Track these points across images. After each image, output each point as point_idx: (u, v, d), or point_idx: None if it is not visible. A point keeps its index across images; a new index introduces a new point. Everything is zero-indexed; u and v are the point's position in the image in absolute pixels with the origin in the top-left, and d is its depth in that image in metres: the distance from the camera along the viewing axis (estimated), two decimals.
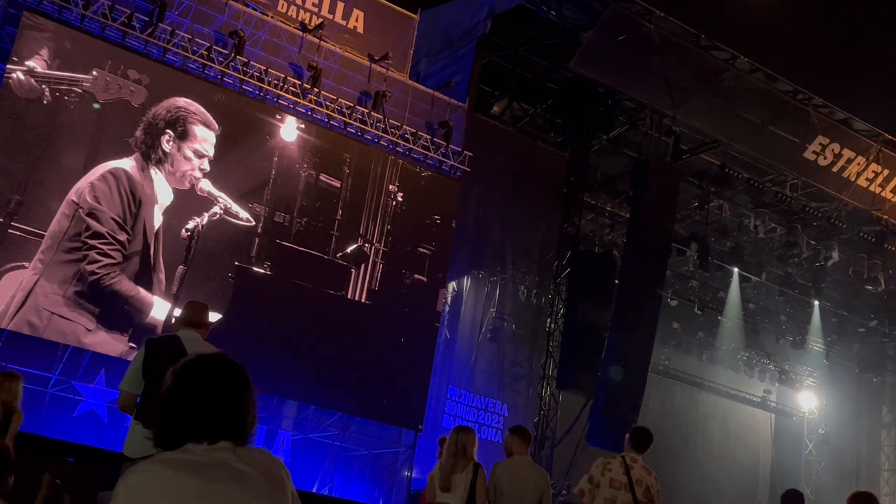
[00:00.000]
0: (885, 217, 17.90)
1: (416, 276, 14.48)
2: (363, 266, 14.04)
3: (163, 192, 12.32)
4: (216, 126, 12.81)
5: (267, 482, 2.29)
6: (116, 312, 11.79)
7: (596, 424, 15.01)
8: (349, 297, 13.85)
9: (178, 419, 2.30)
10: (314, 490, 13.46)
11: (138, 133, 12.22)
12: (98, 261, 11.60)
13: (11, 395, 7.36)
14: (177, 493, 2.16)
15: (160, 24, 12.32)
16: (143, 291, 11.97)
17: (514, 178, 16.59)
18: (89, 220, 11.62)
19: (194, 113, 12.67)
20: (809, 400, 24.89)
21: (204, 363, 2.38)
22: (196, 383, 2.33)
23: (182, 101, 12.61)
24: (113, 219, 11.78)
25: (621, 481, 7.03)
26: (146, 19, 12.29)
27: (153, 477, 2.18)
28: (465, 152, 14.83)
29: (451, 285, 15.93)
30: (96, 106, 11.96)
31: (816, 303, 21.09)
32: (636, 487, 6.94)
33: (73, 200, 11.60)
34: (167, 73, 12.58)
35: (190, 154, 12.54)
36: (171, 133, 12.45)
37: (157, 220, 12.25)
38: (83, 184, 11.72)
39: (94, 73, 11.97)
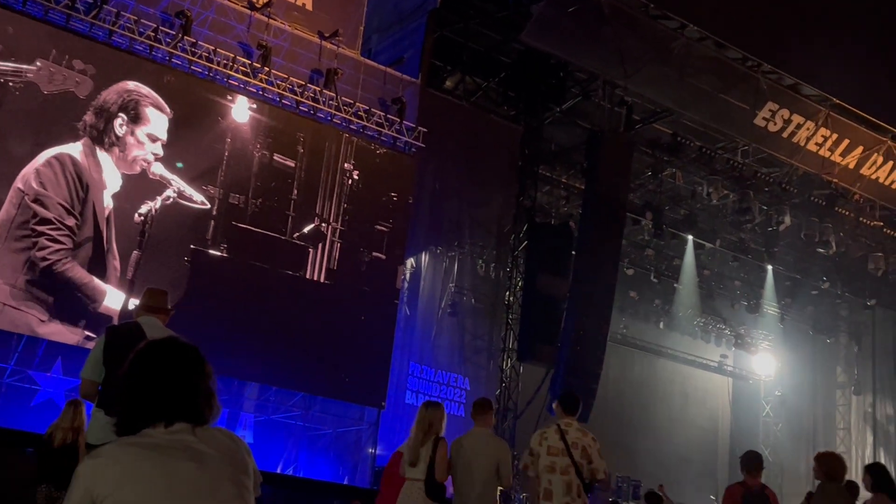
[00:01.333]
0: (835, 180, 18.16)
1: (375, 253, 14.47)
2: (321, 245, 13.99)
3: (111, 176, 12.14)
4: (168, 109, 12.64)
5: (227, 462, 2.31)
6: (70, 300, 11.64)
7: (557, 394, 15.14)
8: (308, 277, 13.81)
9: (132, 404, 2.32)
10: (279, 470, 13.46)
11: (87, 117, 12.00)
12: (48, 247, 11.43)
13: (81, 420, 8.08)
14: (136, 475, 2.17)
15: (105, 6, 12.07)
16: (96, 280, 11.83)
17: (469, 152, 16.58)
18: (35, 206, 11.44)
19: (146, 96, 12.49)
20: (766, 363, 25.32)
21: (154, 347, 2.41)
22: (146, 367, 2.35)
23: (132, 85, 12.42)
24: (60, 204, 11.60)
25: (558, 447, 7.30)
26: (90, 1, 12.03)
27: (112, 461, 2.20)
28: (420, 128, 14.79)
29: (410, 262, 15.94)
30: None
31: (770, 267, 21.43)
32: (573, 450, 7.21)
33: (18, 188, 11.40)
34: (113, 59, 12.36)
35: (143, 138, 12.37)
36: (124, 117, 12.27)
37: (108, 205, 12.08)
38: (28, 170, 11.52)
39: (38, 63, 11.71)
